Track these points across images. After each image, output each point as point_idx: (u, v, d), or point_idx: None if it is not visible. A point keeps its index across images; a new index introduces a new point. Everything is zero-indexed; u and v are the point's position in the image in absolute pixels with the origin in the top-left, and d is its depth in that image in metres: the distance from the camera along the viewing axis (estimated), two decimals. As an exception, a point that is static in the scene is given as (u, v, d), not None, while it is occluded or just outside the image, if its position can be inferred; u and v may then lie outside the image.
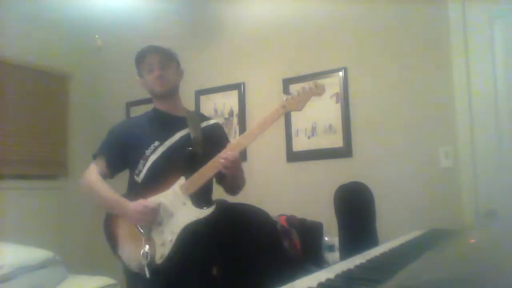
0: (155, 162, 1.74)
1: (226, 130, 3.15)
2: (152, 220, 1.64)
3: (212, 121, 2.00)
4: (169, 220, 1.65)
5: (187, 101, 3.35)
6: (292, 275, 0.93)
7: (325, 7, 2.84)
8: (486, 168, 2.30)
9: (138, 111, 3.64)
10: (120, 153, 1.81)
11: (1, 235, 2.70)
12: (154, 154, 1.74)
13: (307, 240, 2.37)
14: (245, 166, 3.08)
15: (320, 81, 1.79)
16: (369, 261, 1.06)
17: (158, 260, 1.61)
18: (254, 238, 1.97)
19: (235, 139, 1.74)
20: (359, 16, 2.72)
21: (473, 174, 2.32)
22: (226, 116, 3.17)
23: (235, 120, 3.13)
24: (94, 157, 1.85)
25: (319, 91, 1.74)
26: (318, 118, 2.79)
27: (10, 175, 3.27)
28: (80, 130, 3.79)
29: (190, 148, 1.75)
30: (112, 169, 1.82)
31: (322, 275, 0.90)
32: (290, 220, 2.43)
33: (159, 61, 1.83)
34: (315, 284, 0.83)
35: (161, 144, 1.76)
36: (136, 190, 1.75)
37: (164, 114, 1.89)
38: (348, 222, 1.98)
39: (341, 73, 2.74)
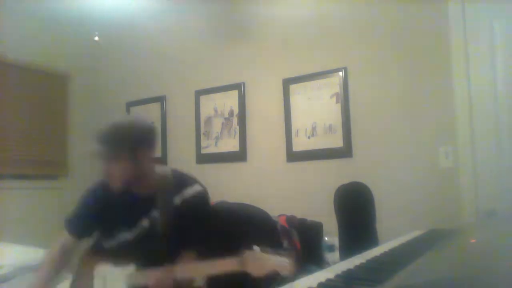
0: (115, 251, 1.64)
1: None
2: None
3: (191, 192, 1.66)
4: None
5: (187, 101, 3.37)
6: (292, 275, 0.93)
7: (325, 7, 2.84)
8: (486, 168, 2.30)
9: (138, 111, 3.65)
10: (87, 227, 1.73)
11: (1, 235, 2.70)
12: (115, 242, 1.65)
13: (307, 240, 2.37)
14: (245, 166, 3.11)
15: (289, 261, 1.29)
16: (369, 261, 1.06)
17: None
18: (254, 238, 1.97)
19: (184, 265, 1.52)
20: (359, 16, 2.72)
21: (473, 174, 2.32)
22: (226, 116, 3.17)
23: (235, 120, 3.13)
24: (64, 226, 1.77)
25: (283, 270, 1.28)
26: (318, 118, 2.80)
27: (10, 175, 3.27)
28: (80, 131, 3.79)
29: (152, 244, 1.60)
30: (78, 238, 1.74)
31: (322, 275, 0.90)
32: (290, 220, 2.43)
33: (106, 155, 1.57)
34: (315, 284, 0.82)
35: (126, 231, 1.64)
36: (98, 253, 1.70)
37: (130, 196, 1.64)
38: (348, 222, 1.98)
39: (341, 73, 2.74)
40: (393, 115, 2.57)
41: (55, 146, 3.61)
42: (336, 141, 2.72)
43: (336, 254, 2.33)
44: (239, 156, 3.09)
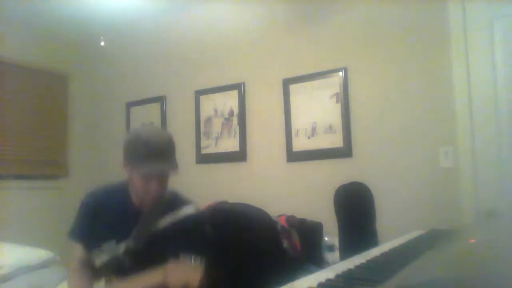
0: (104, 264, 1.59)
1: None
2: None
3: (181, 213, 1.56)
4: None
5: (187, 101, 3.37)
6: (292, 275, 0.93)
7: (325, 7, 2.84)
8: (486, 168, 2.30)
9: (138, 111, 3.65)
10: (92, 235, 1.63)
11: (1, 235, 2.70)
12: (107, 254, 1.57)
13: (307, 240, 2.37)
14: (245, 166, 3.11)
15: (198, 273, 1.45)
16: (369, 261, 1.06)
17: None
18: (254, 238, 1.97)
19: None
20: (359, 16, 2.72)
21: (473, 174, 2.32)
22: (226, 116, 3.17)
23: (235, 120, 3.13)
24: (69, 237, 1.69)
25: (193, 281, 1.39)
26: (318, 118, 2.79)
27: (10, 175, 3.28)
28: (80, 130, 3.79)
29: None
30: (91, 251, 1.64)
31: (322, 275, 0.90)
32: (290, 220, 2.43)
33: (161, 172, 1.46)
34: (315, 284, 0.82)
35: (116, 244, 1.55)
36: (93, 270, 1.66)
37: (131, 206, 1.57)
38: (348, 222, 1.98)
39: (341, 73, 2.74)
40: (393, 115, 2.57)
41: (55, 146, 3.61)
42: (336, 141, 2.72)
43: (336, 254, 2.33)
44: (239, 156, 3.09)
